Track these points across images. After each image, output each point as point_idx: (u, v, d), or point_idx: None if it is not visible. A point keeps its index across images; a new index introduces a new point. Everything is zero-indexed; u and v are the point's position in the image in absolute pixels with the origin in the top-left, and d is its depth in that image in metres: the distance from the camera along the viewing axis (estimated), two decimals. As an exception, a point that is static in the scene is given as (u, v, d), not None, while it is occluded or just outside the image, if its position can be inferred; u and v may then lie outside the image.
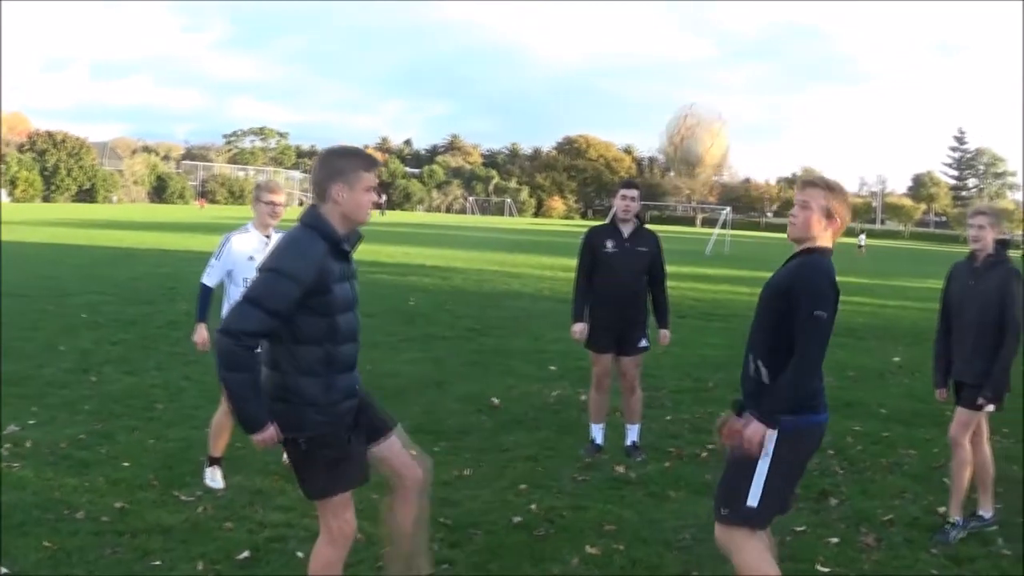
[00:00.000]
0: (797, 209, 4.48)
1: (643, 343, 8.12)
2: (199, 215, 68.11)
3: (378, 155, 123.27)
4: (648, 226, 8.22)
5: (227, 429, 6.86)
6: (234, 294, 6.67)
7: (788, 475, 4.36)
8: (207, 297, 6.86)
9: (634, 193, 7.98)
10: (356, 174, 4.25)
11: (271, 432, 4.11)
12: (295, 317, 4.07)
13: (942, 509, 6.83)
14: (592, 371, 8.26)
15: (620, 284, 7.92)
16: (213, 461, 6.92)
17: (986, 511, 6.65)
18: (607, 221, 8.17)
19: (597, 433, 8.22)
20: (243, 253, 6.76)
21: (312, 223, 4.22)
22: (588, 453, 8.04)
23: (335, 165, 4.27)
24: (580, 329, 8.01)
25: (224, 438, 6.93)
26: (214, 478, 6.85)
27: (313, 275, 4.06)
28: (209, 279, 6.83)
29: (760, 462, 4.24)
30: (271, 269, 4.10)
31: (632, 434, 8.23)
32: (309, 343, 4.15)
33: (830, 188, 4.44)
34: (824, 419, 4.43)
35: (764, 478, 4.25)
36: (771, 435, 4.21)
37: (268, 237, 6.88)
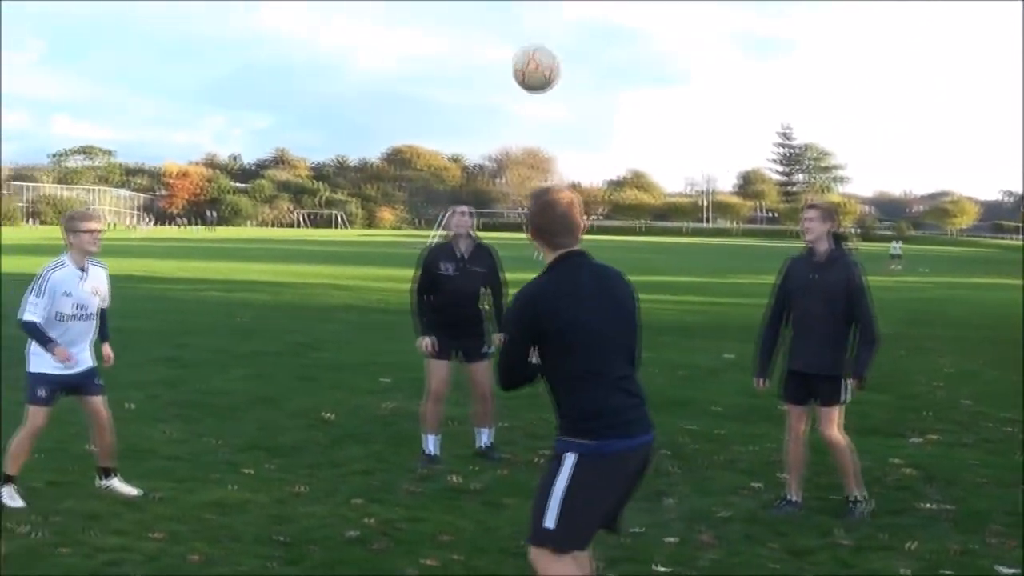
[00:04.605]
0: None
1: (486, 348, 8.20)
2: (30, 235, 64.85)
3: (205, 171, 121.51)
4: (483, 239, 8.36)
5: (27, 452, 6.69)
6: (50, 330, 6.52)
7: (591, 500, 4.21)
8: (40, 329, 6.49)
9: (466, 209, 8.26)
10: None
11: None
12: None
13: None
14: (429, 382, 8.22)
15: (459, 304, 8.03)
16: (8, 479, 6.64)
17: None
18: (440, 236, 8.26)
19: (432, 444, 8.15)
20: (60, 288, 6.57)
21: None
22: (423, 464, 7.96)
23: None
24: (430, 343, 8.00)
25: (23, 458, 6.69)
26: (12, 496, 6.58)
27: None
28: (33, 315, 6.48)
29: (556, 483, 4.17)
30: None
31: (486, 437, 8.36)
32: None
33: None
34: (634, 443, 4.23)
35: (560, 501, 4.15)
36: (569, 457, 4.17)
37: (84, 270, 6.71)
